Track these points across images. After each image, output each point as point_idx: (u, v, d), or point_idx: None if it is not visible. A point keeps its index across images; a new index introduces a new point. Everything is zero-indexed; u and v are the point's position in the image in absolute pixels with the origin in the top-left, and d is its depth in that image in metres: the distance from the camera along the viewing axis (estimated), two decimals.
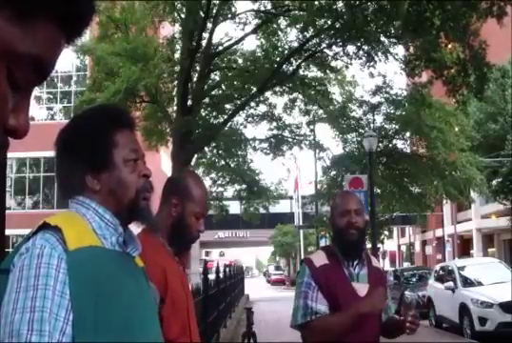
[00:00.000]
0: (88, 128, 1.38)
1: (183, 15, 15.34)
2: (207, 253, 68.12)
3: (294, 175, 38.87)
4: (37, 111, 28.54)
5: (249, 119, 18.79)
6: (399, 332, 2.73)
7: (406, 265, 42.49)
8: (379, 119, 20.57)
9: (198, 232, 2.11)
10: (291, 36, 19.33)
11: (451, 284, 12.81)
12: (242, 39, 16.54)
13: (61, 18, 0.60)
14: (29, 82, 0.61)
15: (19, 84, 0.59)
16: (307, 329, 2.62)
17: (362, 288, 2.69)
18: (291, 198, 44.53)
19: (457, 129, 19.84)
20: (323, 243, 28.49)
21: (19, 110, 0.60)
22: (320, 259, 2.72)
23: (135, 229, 1.48)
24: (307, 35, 15.33)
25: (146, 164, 1.45)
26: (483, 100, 15.87)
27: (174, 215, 2.08)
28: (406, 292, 16.96)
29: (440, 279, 14.08)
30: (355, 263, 2.72)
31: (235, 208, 23.58)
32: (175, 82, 16.41)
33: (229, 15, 16.28)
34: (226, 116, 16.78)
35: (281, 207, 32.52)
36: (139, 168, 1.41)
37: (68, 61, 26.00)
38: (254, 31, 16.50)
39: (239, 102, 16.68)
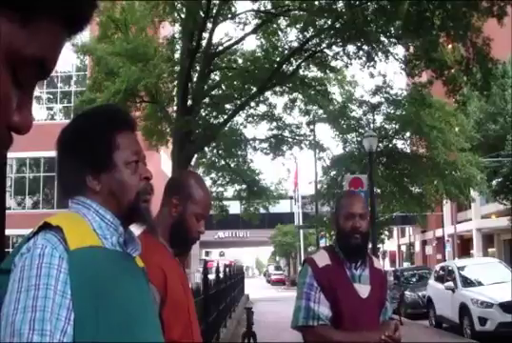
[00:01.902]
0: (90, 128, 1.38)
1: (183, 15, 15.31)
2: (207, 253, 68.06)
3: (293, 175, 38.85)
4: (37, 111, 28.53)
5: (249, 119, 18.80)
6: None
7: (406, 265, 42.47)
8: (379, 119, 20.61)
9: (198, 233, 2.10)
10: (291, 36, 19.31)
11: (451, 284, 12.79)
12: (242, 39, 16.52)
13: (65, 17, 0.61)
14: (33, 79, 0.62)
15: (22, 82, 0.60)
16: (312, 334, 2.63)
17: (363, 289, 2.70)
18: (291, 198, 44.46)
19: (457, 129, 19.84)
20: (323, 243, 28.52)
21: (22, 107, 0.61)
22: (322, 260, 2.71)
23: (135, 230, 1.48)
24: (307, 35, 15.33)
25: (146, 165, 1.45)
26: (488, 98, 15.82)
27: (174, 216, 2.07)
28: (406, 292, 16.97)
29: (440, 279, 14.06)
30: (358, 264, 2.73)
31: (235, 208, 23.55)
32: (175, 82, 16.40)
33: (229, 15, 16.26)
34: (226, 116, 16.75)
35: (281, 207, 32.47)
36: (140, 170, 1.41)
37: (68, 61, 26.01)
38: (254, 31, 16.47)
39: (239, 102, 16.65)
